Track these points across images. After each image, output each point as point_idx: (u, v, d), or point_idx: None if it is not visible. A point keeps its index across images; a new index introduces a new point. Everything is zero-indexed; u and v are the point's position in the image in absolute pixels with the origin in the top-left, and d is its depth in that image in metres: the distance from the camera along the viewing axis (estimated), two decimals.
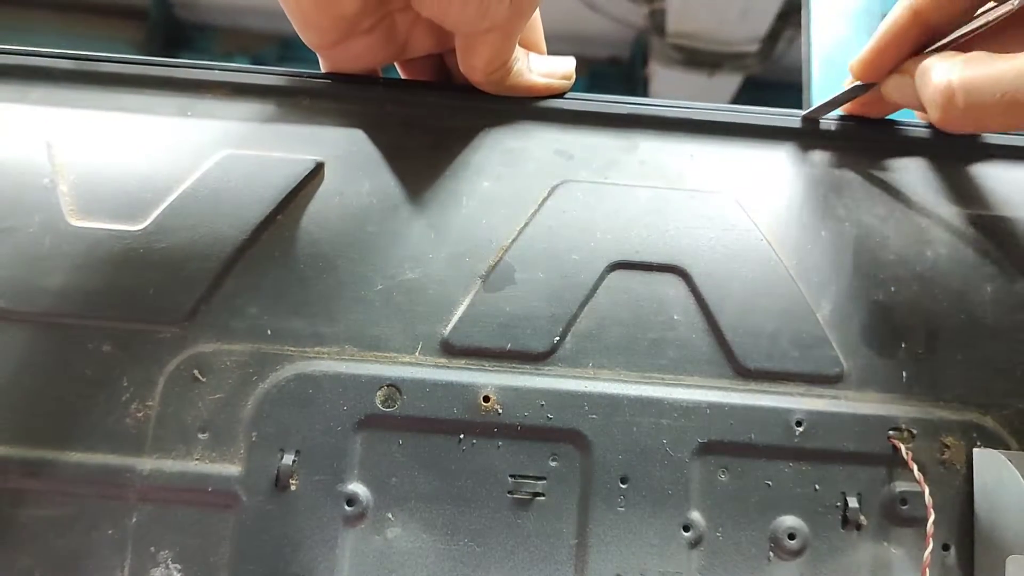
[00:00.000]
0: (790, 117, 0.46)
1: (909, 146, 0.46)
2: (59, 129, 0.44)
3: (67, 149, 0.43)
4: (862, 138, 0.46)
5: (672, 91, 3.02)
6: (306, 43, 0.44)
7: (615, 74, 3.32)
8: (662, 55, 2.93)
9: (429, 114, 0.45)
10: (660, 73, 2.99)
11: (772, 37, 2.84)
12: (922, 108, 0.41)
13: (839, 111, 0.47)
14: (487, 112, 0.46)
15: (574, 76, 0.47)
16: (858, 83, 0.44)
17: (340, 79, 0.46)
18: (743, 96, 3.14)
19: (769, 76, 3.00)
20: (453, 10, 0.40)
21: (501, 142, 0.45)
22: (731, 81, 3.04)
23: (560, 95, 0.47)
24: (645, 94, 3.00)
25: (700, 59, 2.95)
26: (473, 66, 0.43)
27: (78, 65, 0.45)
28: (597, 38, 3.12)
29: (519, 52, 0.44)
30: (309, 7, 0.41)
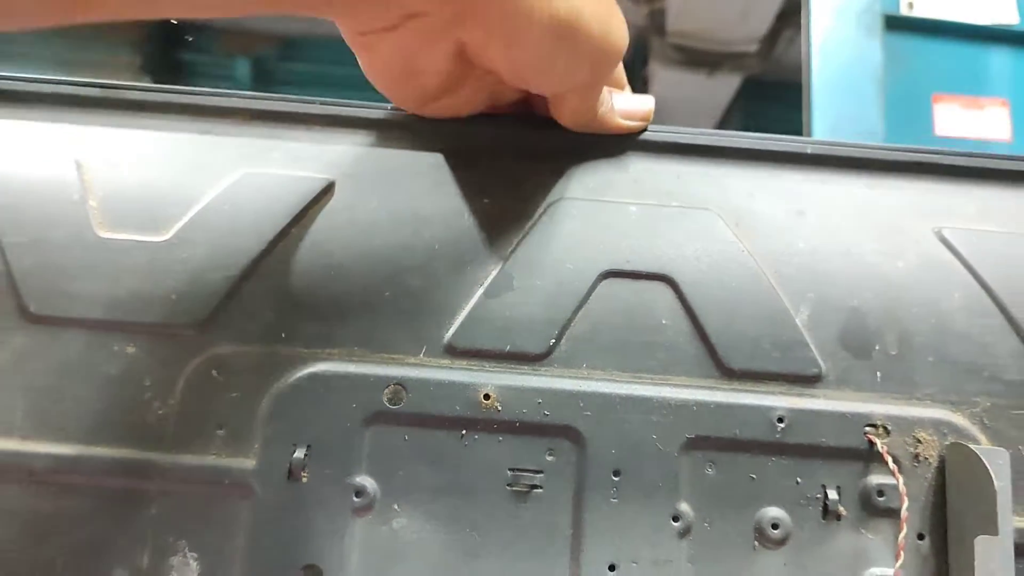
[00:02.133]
0: (769, 141, 0.49)
1: (880, 164, 0.49)
2: (88, 149, 0.47)
3: (95, 167, 0.46)
4: (837, 160, 0.49)
5: (672, 91, 3.01)
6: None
7: None
8: (662, 55, 2.93)
9: (434, 137, 0.48)
10: (660, 73, 2.99)
11: (772, 37, 2.84)
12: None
13: (834, 128, 0.48)
14: (489, 136, 0.48)
15: (652, 116, 0.49)
16: None
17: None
18: (743, 96, 3.14)
19: (769, 76, 3.00)
20: (537, 81, 0.42)
21: (501, 163, 0.48)
22: (731, 81, 3.04)
23: (637, 133, 0.49)
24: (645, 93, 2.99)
25: (700, 59, 2.95)
26: (562, 116, 0.46)
27: (106, 93, 0.48)
28: None
29: (604, 93, 0.47)
30: (392, 85, 0.44)
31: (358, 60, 0.42)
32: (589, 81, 0.43)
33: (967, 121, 1.65)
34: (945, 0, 1.66)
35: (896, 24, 1.60)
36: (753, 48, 2.87)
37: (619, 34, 0.42)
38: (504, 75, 0.42)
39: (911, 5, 1.63)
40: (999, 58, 1.70)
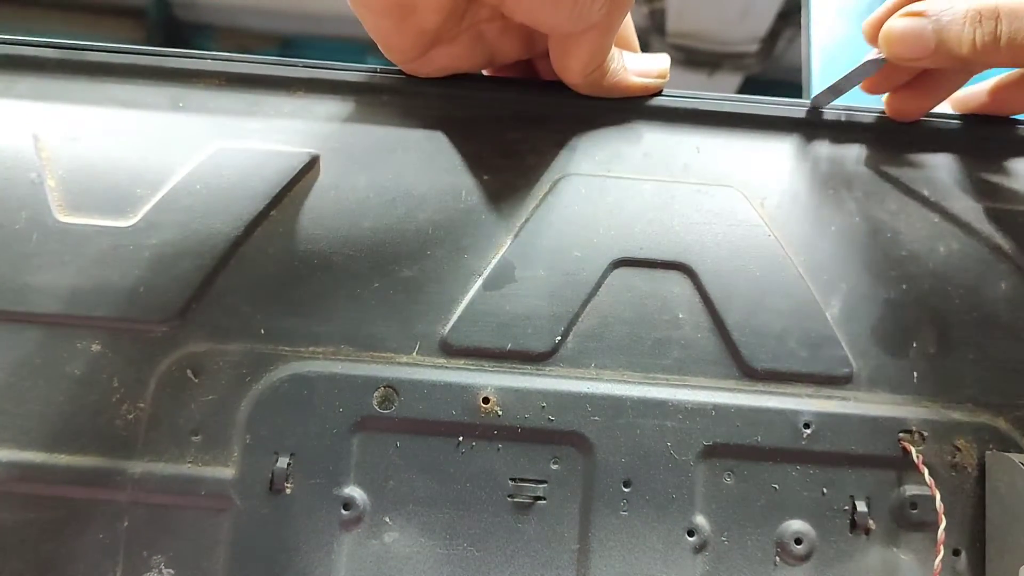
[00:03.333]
0: (797, 107, 0.45)
1: (921, 138, 0.45)
2: (46, 122, 0.43)
3: (55, 142, 0.42)
4: (873, 130, 0.45)
5: (672, 91, 3.03)
6: (389, 59, 0.43)
7: None
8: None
9: (427, 104, 0.44)
10: None
11: (772, 37, 2.84)
12: (943, 61, 0.39)
13: (847, 100, 0.45)
14: (486, 102, 0.44)
15: (668, 74, 0.46)
16: (871, 59, 0.42)
17: (339, 69, 0.45)
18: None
19: (769, 76, 3.00)
20: (546, 13, 0.39)
21: (501, 134, 0.44)
22: (731, 81, 3.05)
23: (656, 94, 0.45)
24: None
25: (700, 59, 2.95)
26: (569, 67, 0.42)
27: (66, 55, 0.44)
28: None
29: (614, 51, 0.43)
30: (388, 26, 0.40)
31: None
32: (605, 17, 0.39)
33: None
34: None
35: None
36: (753, 48, 2.87)
37: None
38: (509, 7, 0.38)
39: None
40: None
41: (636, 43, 0.47)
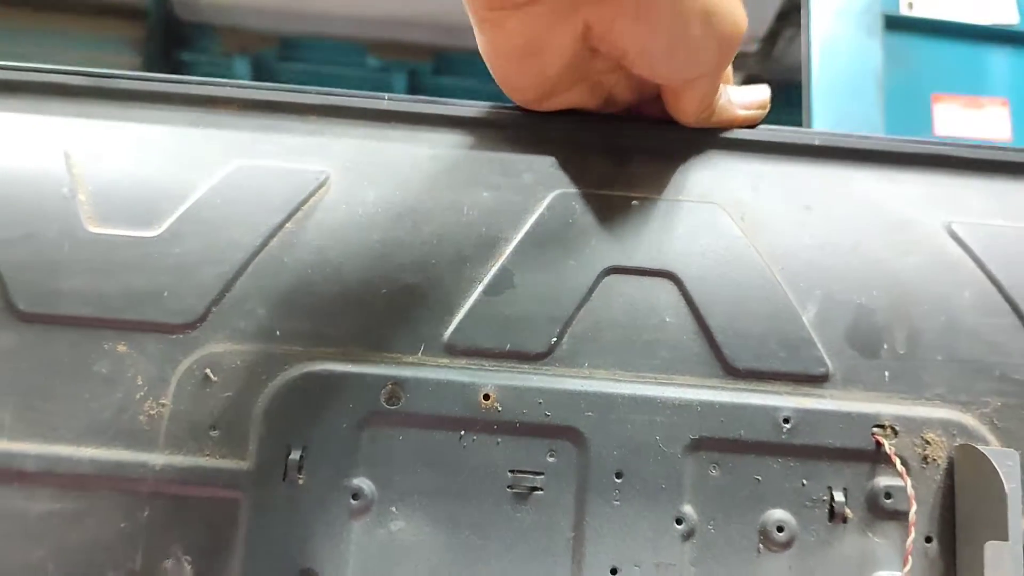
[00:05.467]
0: (776, 132, 0.48)
1: (888, 157, 0.48)
2: (77, 140, 0.46)
3: (85, 159, 0.45)
4: (849, 152, 0.48)
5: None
6: (511, 98, 0.46)
7: None
8: None
9: (431, 128, 0.47)
10: None
11: (772, 37, 2.84)
12: None
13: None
14: (485, 125, 0.47)
15: (769, 104, 0.48)
16: None
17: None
18: None
19: (769, 76, 3.00)
20: (664, 66, 0.41)
21: (499, 153, 0.47)
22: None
23: (755, 125, 0.48)
24: None
25: None
26: (683, 110, 0.45)
27: (93, 82, 0.47)
28: None
29: (720, 88, 0.46)
30: (512, 69, 0.43)
31: (480, 41, 0.42)
32: (715, 64, 0.42)
33: (967, 121, 1.64)
34: (945, 0, 1.66)
35: (896, 24, 1.59)
36: (753, 48, 2.87)
37: (743, 13, 0.41)
38: (629, 58, 0.41)
39: (911, 5, 1.63)
40: (999, 58, 1.70)
41: (731, 75, 0.49)
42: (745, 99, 0.48)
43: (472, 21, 0.41)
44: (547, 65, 0.42)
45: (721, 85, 0.46)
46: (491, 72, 0.44)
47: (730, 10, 0.40)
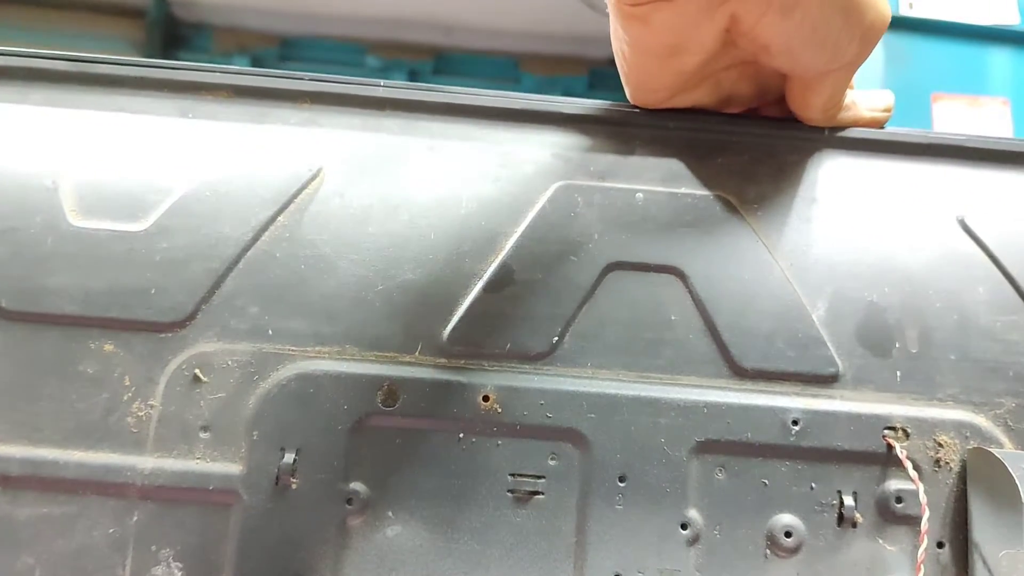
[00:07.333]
0: (780, 126, 0.47)
1: (902, 150, 0.47)
2: (61, 130, 0.44)
3: (69, 150, 0.44)
4: (858, 141, 0.47)
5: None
6: (634, 102, 0.45)
7: (615, 74, 3.32)
8: None
9: (428, 117, 0.46)
10: None
11: None
12: None
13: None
14: (485, 114, 0.46)
15: (893, 108, 0.48)
16: None
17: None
18: None
19: None
20: (808, 55, 0.41)
21: (500, 144, 0.45)
22: None
23: (881, 127, 0.48)
24: None
25: None
26: (812, 104, 0.44)
27: (77, 67, 0.45)
28: (597, 38, 3.12)
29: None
30: (654, 68, 0.42)
31: (619, 40, 0.41)
32: (855, 55, 0.42)
33: (967, 120, 1.64)
34: (945, 0, 1.66)
35: (896, 24, 1.59)
36: None
37: (887, 4, 0.41)
38: (771, 51, 0.40)
39: (911, 5, 1.63)
40: (999, 58, 1.69)
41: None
42: (872, 102, 0.48)
43: (614, 18, 0.40)
44: (686, 62, 0.41)
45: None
46: (623, 74, 0.43)
47: (874, 1, 0.40)
